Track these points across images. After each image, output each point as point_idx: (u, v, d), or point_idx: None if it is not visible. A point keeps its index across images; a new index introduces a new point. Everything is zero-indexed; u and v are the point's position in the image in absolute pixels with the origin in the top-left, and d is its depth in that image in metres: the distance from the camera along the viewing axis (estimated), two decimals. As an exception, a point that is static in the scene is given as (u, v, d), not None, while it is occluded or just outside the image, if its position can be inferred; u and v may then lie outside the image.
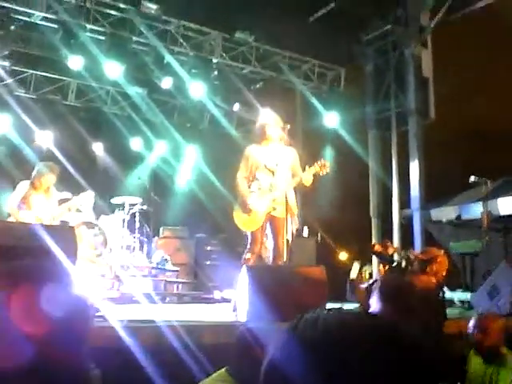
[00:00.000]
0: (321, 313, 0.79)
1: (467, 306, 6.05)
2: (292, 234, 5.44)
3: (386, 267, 4.31)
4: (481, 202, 7.86)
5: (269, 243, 5.58)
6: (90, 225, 7.22)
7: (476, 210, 8.68)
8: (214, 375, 3.01)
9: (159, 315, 4.39)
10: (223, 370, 2.98)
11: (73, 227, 4.30)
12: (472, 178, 7.35)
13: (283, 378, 0.73)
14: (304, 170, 5.46)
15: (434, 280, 4.10)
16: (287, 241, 5.30)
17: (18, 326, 1.10)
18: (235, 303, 5.00)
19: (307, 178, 5.38)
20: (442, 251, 4.46)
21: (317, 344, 0.74)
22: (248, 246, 5.42)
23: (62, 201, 6.74)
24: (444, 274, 4.33)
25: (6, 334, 1.10)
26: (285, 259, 5.30)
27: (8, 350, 1.09)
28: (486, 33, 10.25)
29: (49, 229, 3.85)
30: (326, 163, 5.46)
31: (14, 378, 1.07)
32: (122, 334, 3.69)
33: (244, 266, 4.82)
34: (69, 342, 1.15)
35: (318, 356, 0.72)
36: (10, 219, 6.12)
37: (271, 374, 0.76)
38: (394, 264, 4.29)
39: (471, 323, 3.68)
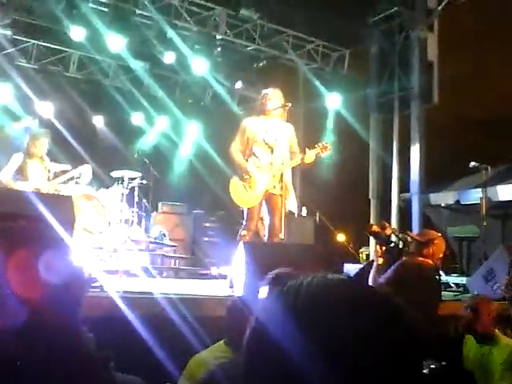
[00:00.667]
0: (305, 279, 0.78)
1: (462, 289, 6.09)
2: (286, 212, 5.42)
3: (383, 248, 4.30)
4: (480, 188, 7.86)
5: (265, 220, 5.57)
6: (88, 197, 7.22)
7: (475, 196, 8.69)
8: (213, 347, 3.05)
9: (156, 288, 4.42)
10: (221, 341, 3.01)
11: (70, 196, 4.29)
12: (472, 164, 7.34)
13: (266, 343, 0.72)
14: (304, 151, 5.44)
15: (430, 262, 4.12)
16: (283, 219, 5.31)
17: (13, 288, 1.10)
18: (232, 279, 5.03)
19: (309, 157, 5.36)
20: (439, 234, 4.47)
21: (299, 309, 0.73)
22: (244, 223, 5.41)
23: (61, 172, 6.73)
24: (441, 256, 4.34)
25: (1, 294, 1.10)
26: (282, 237, 5.31)
27: (2, 310, 1.09)
28: (493, 18, 10.16)
29: (46, 197, 3.84)
30: (328, 145, 5.45)
31: (7, 339, 1.07)
32: (119, 304, 3.72)
33: (240, 242, 4.83)
34: (63, 307, 1.15)
35: (301, 321, 0.72)
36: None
37: (254, 340, 0.76)
38: (392, 245, 4.28)
39: (464, 304, 3.73)
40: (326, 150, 5.42)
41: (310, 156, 5.35)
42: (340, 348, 0.70)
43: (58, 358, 1.08)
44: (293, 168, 5.65)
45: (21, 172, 6.21)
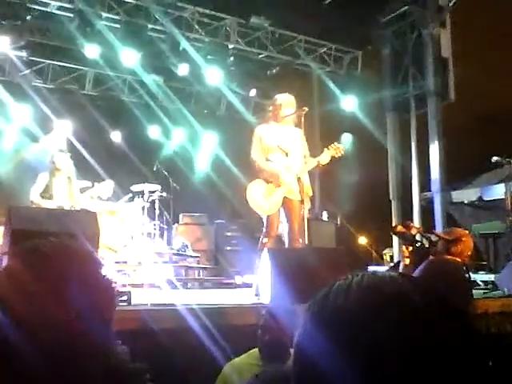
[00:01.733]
0: (353, 277, 0.71)
1: (491, 286, 5.98)
2: (303, 215, 5.38)
3: (410, 248, 4.25)
4: (503, 183, 7.73)
5: (284, 226, 5.53)
6: (111, 212, 7.27)
7: (498, 191, 8.56)
8: (248, 353, 3.04)
9: (181, 300, 4.41)
10: (256, 349, 2.99)
11: (94, 212, 4.33)
12: (494, 158, 7.23)
13: (310, 361, 0.67)
14: (318, 154, 5.43)
15: (459, 260, 4.05)
16: (304, 223, 5.27)
17: (45, 307, 1.09)
18: (257, 287, 5.00)
19: (325, 159, 5.35)
20: (467, 231, 4.40)
21: (334, 321, 0.68)
22: (264, 230, 5.37)
23: (82, 190, 6.82)
24: (469, 254, 4.27)
25: (34, 315, 1.10)
26: (301, 242, 5.27)
27: (37, 331, 1.09)
28: (507, 11, 10.05)
29: (71, 214, 3.87)
30: (340, 146, 5.43)
31: (42, 360, 1.06)
32: (146, 317, 3.72)
33: (265, 249, 4.80)
34: (96, 322, 1.14)
35: (335, 335, 0.66)
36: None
37: (299, 356, 0.71)
38: (418, 245, 4.23)
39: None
40: (339, 150, 5.40)
41: (325, 158, 5.34)
42: (400, 366, 0.64)
43: (90, 376, 1.07)
44: (310, 172, 5.61)
45: (46, 191, 6.34)
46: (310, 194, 5.47)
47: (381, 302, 0.67)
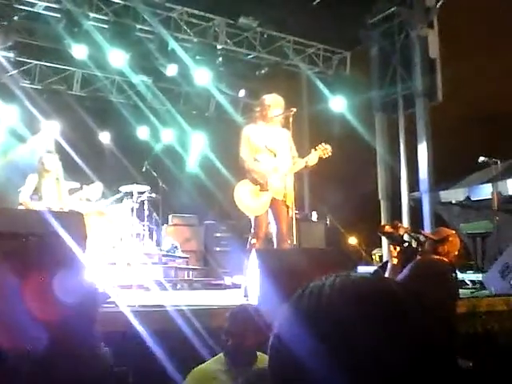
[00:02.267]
0: (327, 279, 0.74)
1: (479, 286, 6.02)
2: (292, 216, 5.37)
3: (397, 248, 4.26)
4: (490, 183, 7.80)
5: (272, 227, 5.52)
6: (99, 213, 7.24)
7: (485, 191, 8.63)
8: (213, 359, 3.01)
9: (170, 301, 4.40)
10: (221, 354, 2.97)
11: (82, 213, 4.31)
12: (481, 159, 7.29)
13: (287, 354, 0.69)
14: (306, 155, 5.44)
15: (446, 260, 4.08)
16: (292, 224, 5.27)
17: (30, 312, 1.09)
18: (246, 288, 5.00)
19: (313, 160, 5.36)
20: (454, 231, 4.43)
21: (313, 316, 0.70)
22: (252, 231, 5.37)
23: (71, 191, 6.78)
24: (456, 254, 4.30)
25: (19, 319, 1.10)
26: (290, 242, 5.28)
27: (22, 334, 1.09)
28: (494, 11, 10.13)
29: (58, 215, 3.85)
30: (328, 147, 5.44)
31: (27, 361, 1.06)
32: (132, 318, 3.70)
33: (253, 250, 4.80)
34: (78, 325, 1.14)
35: (317, 330, 0.68)
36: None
37: (275, 350, 0.73)
38: (405, 245, 4.25)
39: None
40: (327, 151, 5.42)
41: (313, 158, 5.35)
42: (374, 354, 0.65)
43: (76, 380, 1.07)
44: (296, 172, 5.61)
45: (35, 192, 6.31)
46: (292, 199, 5.40)
47: (352, 300, 0.70)
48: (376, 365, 0.65)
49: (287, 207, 5.30)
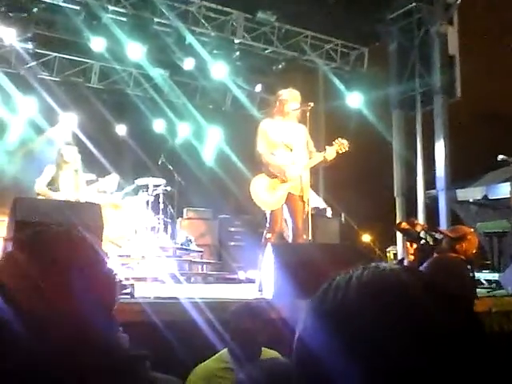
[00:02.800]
0: (354, 271, 0.70)
1: (495, 285, 5.96)
2: (311, 213, 5.36)
3: (414, 245, 4.23)
4: (508, 182, 7.70)
5: (288, 222, 5.51)
6: (115, 206, 7.27)
7: (503, 190, 8.53)
8: (216, 356, 3.00)
9: (184, 294, 4.41)
10: (222, 352, 2.96)
11: (98, 204, 4.32)
12: (500, 157, 7.19)
13: (310, 356, 0.66)
14: (323, 150, 5.41)
15: (463, 258, 4.04)
16: (308, 218, 5.26)
17: (51, 301, 1.09)
18: (260, 282, 4.99)
19: (330, 154, 5.33)
20: (472, 229, 4.38)
21: (340, 312, 0.66)
22: (268, 226, 5.36)
23: (87, 183, 6.82)
24: (474, 252, 4.25)
25: (36, 303, 1.10)
26: (305, 237, 5.26)
27: (44, 325, 1.09)
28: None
29: (75, 205, 3.87)
30: (344, 142, 5.40)
31: (48, 354, 1.06)
32: (148, 309, 3.72)
33: (268, 244, 4.79)
34: (98, 315, 1.14)
35: (343, 329, 0.65)
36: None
37: (299, 353, 0.70)
38: (422, 242, 4.21)
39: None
40: (343, 146, 5.38)
41: (331, 153, 5.32)
42: (398, 357, 0.62)
43: (91, 365, 1.07)
44: (312, 168, 5.59)
45: (53, 183, 6.35)
46: (308, 195, 5.39)
47: (380, 295, 0.66)
48: (397, 367, 0.62)
49: (303, 202, 5.29)
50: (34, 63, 10.01)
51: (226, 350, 2.95)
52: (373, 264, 0.72)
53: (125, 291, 4.12)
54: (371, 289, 0.67)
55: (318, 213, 7.96)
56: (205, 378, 2.85)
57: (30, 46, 9.51)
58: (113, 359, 1.09)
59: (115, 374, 1.07)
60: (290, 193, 5.31)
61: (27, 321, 1.04)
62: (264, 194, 5.29)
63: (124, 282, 4.34)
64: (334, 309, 0.67)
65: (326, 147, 5.39)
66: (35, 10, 8.75)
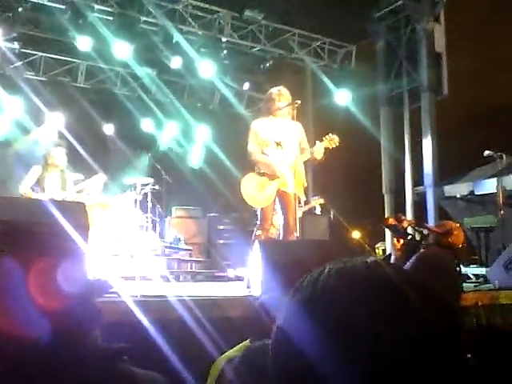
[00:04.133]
0: (326, 266, 0.72)
1: (483, 280, 6.00)
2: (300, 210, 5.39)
3: (401, 241, 4.25)
4: (495, 178, 7.76)
5: (278, 219, 5.54)
6: (102, 205, 7.23)
7: (490, 186, 8.60)
8: (237, 347, 3.01)
9: (173, 292, 4.40)
10: (247, 341, 2.97)
11: (84, 203, 4.30)
12: (486, 153, 7.25)
13: (290, 345, 0.67)
14: (313, 145, 5.44)
15: (450, 253, 4.06)
16: (297, 216, 5.29)
17: (34, 301, 1.08)
18: (249, 280, 5.00)
19: (318, 150, 5.35)
20: (458, 224, 4.41)
21: (311, 303, 0.68)
22: (258, 223, 5.40)
23: (75, 183, 6.78)
24: (460, 246, 4.28)
25: (23, 307, 1.08)
26: (296, 235, 5.28)
27: (25, 324, 1.08)
28: (501, 6, 10.06)
29: (59, 204, 3.84)
30: (335, 137, 5.44)
31: (30, 350, 1.05)
32: (135, 308, 3.70)
33: (256, 241, 4.80)
34: (80, 314, 1.13)
35: (315, 317, 0.67)
36: (22, 199, 6.17)
37: (279, 342, 0.71)
38: (409, 237, 4.23)
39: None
40: (334, 141, 5.42)
41: (319, 149, 5.34)
42: (369, 341, 0.63)
43: (69, 358, 1.06)
44: (304, 164, 5.62)
45: (38, 184, 6.31)
46: (305, 184, 5.47)
47: (350, 284, 0.68)
48: (374, 352, 0.63)
49: (295, 199, 5.31)
50: (19, 63, 9.94)
51: (247, 341, 2.96)
52: (346, 259, 0.74)
53: (111, 290, 4.10)
54: (344, 276, 0.70)
55: (306, 210, 7.97)
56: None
57: (15, 45, 9.44)
58: (89, 352, 1.08)
59: (91, 367, 1.06)
60: (281, 190, 5.33)
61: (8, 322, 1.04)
62: (254, 191, 5.32)
63: (110, 281, 4.31)
64: (308, 296, 0.69)
65: (316, 142, 5.41)
66: (20, 9, 8.67)
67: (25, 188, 6.26)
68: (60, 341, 1.08)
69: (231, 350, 3.01)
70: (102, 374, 1.08)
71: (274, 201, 5.38)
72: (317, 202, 8.11)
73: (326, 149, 5.42)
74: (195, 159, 11.60)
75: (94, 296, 1.22)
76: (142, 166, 9.17)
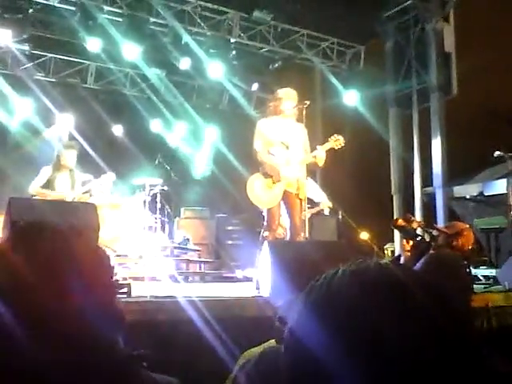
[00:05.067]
0: (340, 267, 0.72)
1: (492, 281, 5.97)
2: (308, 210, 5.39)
3: (410, 242, 4.24)
4: (505, 179, 7.71)
5: (285, 220, 5.53)
6: (113, 206, 7.27)
7: (500, 187, 8.54)
8: (264, 344, 3.00)
9: (182, 292, 4.41)
10: (271, 341, 2.96)
11: (94, 204, 4.32)
12: (497, 153, 7.21)
13: (304, 347, 0.68)
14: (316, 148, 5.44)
15: (460, 254, 4.04)
16: (304, 217, 5.28)
17: (47, 302, 1.08)
18: (258, 281, 5.00)
19: (320, 157, 5.34)
20: (468, 225, 4.39)
21: (323, 305, 0.69)
22: (265, 224, 5.39)
23: (84, 183, 6.82)
24: (470, 248, 4.26)
25: (38, 310, 1.09)
26: (303, 236, 5.28)
27: (41, 326, 1.08)
28: (510, 5, 9.99)
29: (70, 206, 3.87)
30: (340, 138, 5.43)
31: (47, 355, 1.05)
32: (145, 308, 3.72)
33: (265, 242, 4.80)
34: (97, 316, 1.13)
35: (327, 319, 0.67)
36: (34, 200, 6.22)
37: (292, 344, 0.71)
38: (419, 238, 4.22)
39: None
40: (339, 142, 5.41)
41: (321, 155, 5.34)
42: (383, 343, 0.63)
43: (92, 365, 1.06)
44: (308, 167, 5.60)
45: (49, 184, 6.35)
46: (304, 193, 5.42)
47: (364, 286, 0.68)
48: (389, 354, 0.63)
49: (300, 200, 5.31)
50: (29, 64, 10.00)
51: (273, 340, 2.95)
52: (360, 260, 0.74)
53: (122, 290, 4.12)
54: (359, 278, 0.69)
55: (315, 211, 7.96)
56: None
57: (26, 47, 9.50)
58: (112, 359, 1.08)
59: (114, 375, 1.06)
60: (286, 191, 5.33)
61: (24, 322, 1.04)
62: (260, 192, 5.32)
63: (121, 282, 4.33)
64: (323, 298, 0.70)
65: (318, 147, 5.41)
66: (31, 10, 8.73)
67: (34, 188, 6.30)
68: (77, 344, 1.08)
69: (257, 347, 2.99)
70: (126, 381, 1.08)
71: (281, 201, 5.38)
72: (325, 206, 8.09)
73: (332, 149, 5.42)
74: (203, 161, 11.62)
75: (110, 295, 1.22)
76: (151, 166, 9.20)
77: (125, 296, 4.08)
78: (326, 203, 8.17)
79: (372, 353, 0.64)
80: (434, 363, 0.64)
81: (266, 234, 5.31)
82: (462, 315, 0.72)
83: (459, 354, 0.66)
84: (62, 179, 6.45)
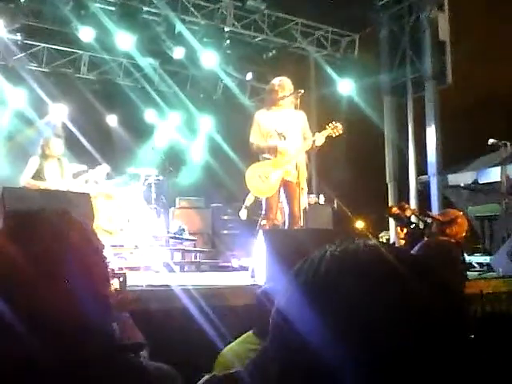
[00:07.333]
0: (329, 248, 0.72)
1: (486, 268, 6.01)
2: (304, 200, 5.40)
3: (404, 230, 4.25)
4: (499, 167, 7.75)
5: (284, 209, 5.55)
6: (107, 196, 7.26)
7: (494, 174, 8.57)
8: (241, 338, 3.01)
9: (177, 281, 4.42)
10: (250, 332, 2.97)
11: (88, 193, 4.31)
12: (491, 141, 7.23)
13: (291, 328, 0.67)
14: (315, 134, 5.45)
15: (453, 241, 4.06)
16: (304, 206, 5.30)
17: (44, 292, 1.08)
18: (253, 269, 5.01)
19: (319, 140, 5.36)
20: (462, 212, 4.41)
21: (312, 286, 0.67)
22: (263, 213, 5.41)
23: (78, 173, 6.80)
24: (464, 235, 4.28)
25: (29, 294, 1.09)
26: (301, 224, 5.29)
27: (39, 316, 1.08)
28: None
29: (64, 195, 3.86)
30: (338, 125, 5.44)
31: (46, 345, 1.05)
32: (140, 297, 3.73)
33: (260, 230, 4.81)
34: (94, 306, 1.13)
35: (316, 300, 0.66)
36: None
37: (277, 324, 0.71)
38: (413, 226, 4.24)
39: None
40: (337, 129, 5.42)
41: (320, 139, 5.36)
42: (372, 325, 0.63)
43: (89, 354, 1.06)
44: (307, 153, 5.62)
45: (38, 175, 6.33)
46: (306, 174, 5.47)
47: (354, 267, 0.67)
48: (374, 336, 0.63)
49: (300, 189, 5.32)
50: (22, 54, 9.93)
51: (250, 332, 2.95)
52: (349, 241, 0.73)
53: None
54: (347, 259, 0.69)
55: (310, 200, 7.96)
56: (237, 357, 2.84)
57: (18, 37, 9.43)
58: (111, 348, 1.08)
59: (114, 364, 1.07)
60: (286, 180, 5.34)
61: (19, 311, 1.04)
62: (258, 181, 5.34)
63: (116, 272, 4.33)
64: (311, 280, 0.69)
65: (316, 133, 5.41)
66: (22, 0, 8.65)
67: (25, 179, 6.29)
68: (75, 334, 1.08)
69: (234, 343, 3.00)
70: (110, 367, 1.08)
71: (279, 190, 5.39)
72: (313, 201, 8.10)
73: (329, 137, 5.42)
74: (197, 151, 11.59)
75: (106, 285, 1.22)
76: (146, 156, 9.18)
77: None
78: (313, 199, 8.18)
79: (363, 337, 0.63)
80: (427, 349, 0.63)
81: (264, 222, 5.34)
82: (455, 301, 0.72)
83: (452, 340, 0.65)
84: (51, 168, 6.44)
